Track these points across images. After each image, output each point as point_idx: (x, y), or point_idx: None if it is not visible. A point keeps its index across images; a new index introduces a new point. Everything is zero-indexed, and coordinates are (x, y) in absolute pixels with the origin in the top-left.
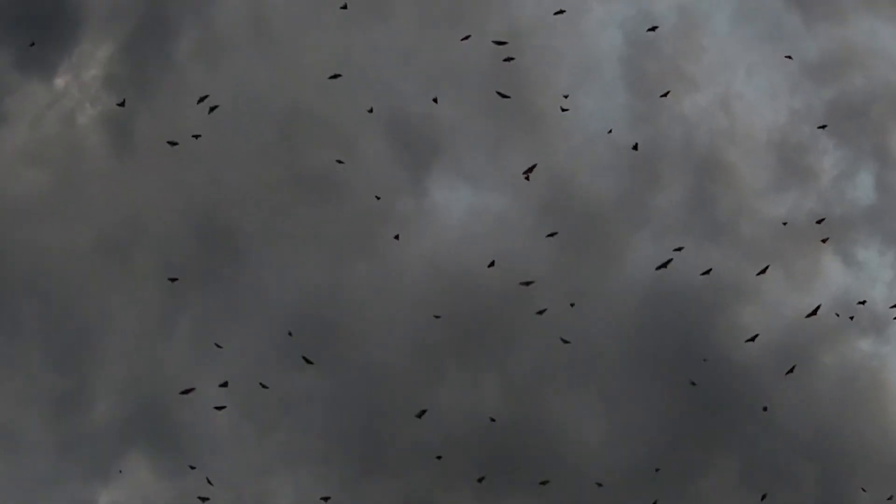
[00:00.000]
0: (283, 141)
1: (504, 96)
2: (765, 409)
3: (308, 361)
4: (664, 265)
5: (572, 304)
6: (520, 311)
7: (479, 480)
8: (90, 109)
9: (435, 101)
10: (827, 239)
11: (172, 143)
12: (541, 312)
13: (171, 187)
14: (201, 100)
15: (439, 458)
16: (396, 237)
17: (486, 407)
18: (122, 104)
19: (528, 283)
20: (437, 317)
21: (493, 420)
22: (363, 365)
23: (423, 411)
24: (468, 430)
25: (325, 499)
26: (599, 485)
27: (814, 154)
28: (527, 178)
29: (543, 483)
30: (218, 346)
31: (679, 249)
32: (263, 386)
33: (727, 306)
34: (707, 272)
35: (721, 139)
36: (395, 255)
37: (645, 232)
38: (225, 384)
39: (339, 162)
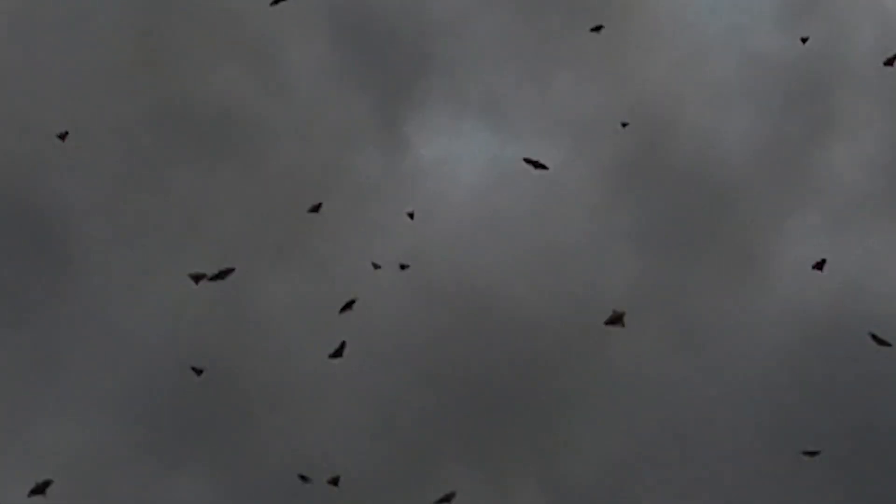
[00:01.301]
0: (146, 51)
1: None
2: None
3: (197, 372)
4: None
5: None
6: (581, 360)
7: None
8: None
9: None
10: None
11: None
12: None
13: None
14: None
15: None
16: (410, 215)
17: None
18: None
19: (616, 321)
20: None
21: None
22: (293, 454)
23: None
24: None
25: None
26: None
27: None
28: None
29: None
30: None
31: (820, 266)
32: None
33: None
34: None
35: None
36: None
37: (806, 214)
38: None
39: None
